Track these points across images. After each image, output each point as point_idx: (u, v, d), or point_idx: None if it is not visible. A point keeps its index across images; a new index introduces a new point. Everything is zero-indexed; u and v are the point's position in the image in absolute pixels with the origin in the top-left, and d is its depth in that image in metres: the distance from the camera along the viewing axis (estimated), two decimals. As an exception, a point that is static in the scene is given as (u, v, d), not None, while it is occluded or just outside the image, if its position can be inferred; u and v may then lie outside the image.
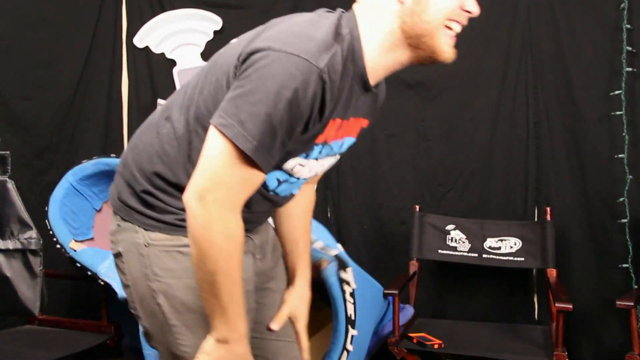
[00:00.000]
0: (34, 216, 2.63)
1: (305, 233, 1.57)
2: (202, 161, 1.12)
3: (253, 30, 1.25)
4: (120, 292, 2.14)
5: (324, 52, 1.12)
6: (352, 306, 2.05)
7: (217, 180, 1.11)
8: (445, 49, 1.23)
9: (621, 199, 2.76)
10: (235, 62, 1.16)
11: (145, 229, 1.26)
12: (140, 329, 2.02)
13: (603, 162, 2.83)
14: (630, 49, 2.75)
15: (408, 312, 2.73)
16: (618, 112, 2.77)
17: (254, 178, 1.15)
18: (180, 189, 1.19)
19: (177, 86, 3.37)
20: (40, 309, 2.62)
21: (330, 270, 2.02)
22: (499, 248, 2.86)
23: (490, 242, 2.88)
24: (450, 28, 1.22)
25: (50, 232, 2.57)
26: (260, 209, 1.33)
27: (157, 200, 1.25)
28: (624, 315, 2.39)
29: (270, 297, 1.49)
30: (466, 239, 2.91)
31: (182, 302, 1.26)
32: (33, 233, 2.60)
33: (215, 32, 3.38)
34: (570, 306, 2.29)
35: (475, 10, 1.23)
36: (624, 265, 2.77)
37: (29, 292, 2.59)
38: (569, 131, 2.90)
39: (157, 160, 1.25)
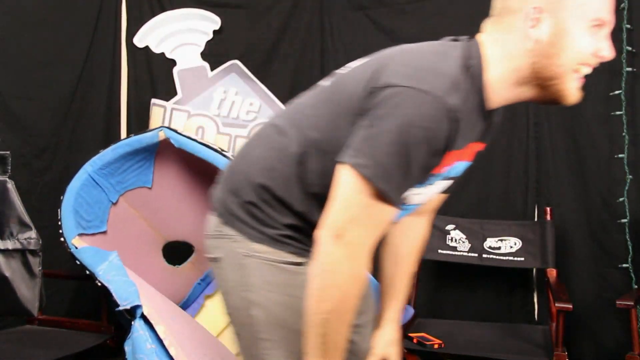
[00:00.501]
0: (33, 216, 2.63)
1: (406, 275, 1.51)
2: (338, 200, 1.12)
3: (376, 56, 1.25)
4: (117, 298, 2.14)
5: (455, 91, 1.11)
6: None
7: (356, 220, 1.11)
8: (573, 93, 1.21)
9: (621, 199, 2.76)
10: (362, 93, 1.15)
11: (247, 239, 1.26)
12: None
13: (603, 162, 2.83)
14: (630, 49, 2.75)
15: (408, 312, 2.73)
16: (618, 112, 2.77)
17: (388, 217, 1.15)
18: (286, 205, 1.22)
19: (177, 86, 3.37)
20: (39, 310, 2.62)
21: None
22: (499, 248, 2.86)
23: (490, 242, 2.88)
24: (578, 71, 1.20)
25: (60, 223, 2.56)
26: None
27: (261, 213, 1.25)
28: (624, 315, 2.39)
29: (360, 334, 1.44)
30: (466, 238, 2.91)
31: (275, 316, 1.24)
32: (32, 233, 2.60)
33: (215, 32, 3.38)
34: (570, 306, 2.29)
35: (611, 56, 1.19)
36: (624, 265, 2.77)
37: (28, 292, 2.59)
38: (569, 131, 2.90)
39: (266, 173, 1.25)
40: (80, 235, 2.56)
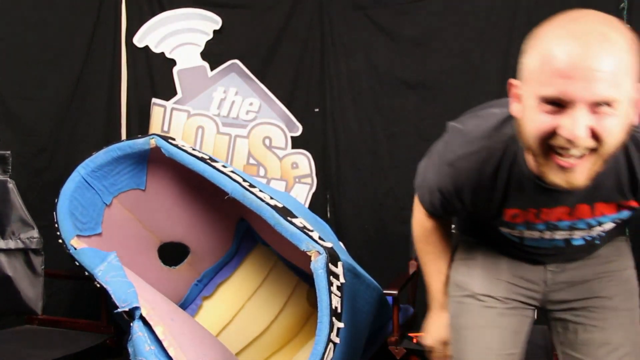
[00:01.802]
0: (32, 216, 2.64)
1: None
2: None
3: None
4: (115, 299, 2.13)
5: (460, 150, 1.32)
6: (339, 299, 2.05)
7: (414, 207, 1.60)
8: (551, 176, 1.12)
9: (621, 199, 2.76)
10: None
11: None
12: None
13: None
14: (630, 49, 2.75)
15: (408, 312, 2.73)
16: (618, 112, 2.77)
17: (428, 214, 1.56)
18: None
19: (177, 86, 3.37)
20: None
21: (319, 262, 2.02)
22: (499, 248, 2.85)
23: (490, 242, 2.87)
24: (558, 154, 1.09)
25: (56, 225, 2.56)
26: (535, 251, 1.47)
27: None
28: (624, 315, 2.39)
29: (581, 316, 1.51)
30: (466, 238, 2.90)
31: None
32: (34, 232, 2.60)
33: (215, 32, 3.38)
34: (570, 306, 2.29)
35: (569, 136, 1.05)
36: (624, 265, 2.77)
37: (31, 291, 2.60)
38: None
39: None
40: (78, 236, 2.55)
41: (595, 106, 1.03)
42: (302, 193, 3.32)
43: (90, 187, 2.67)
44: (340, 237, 3.17)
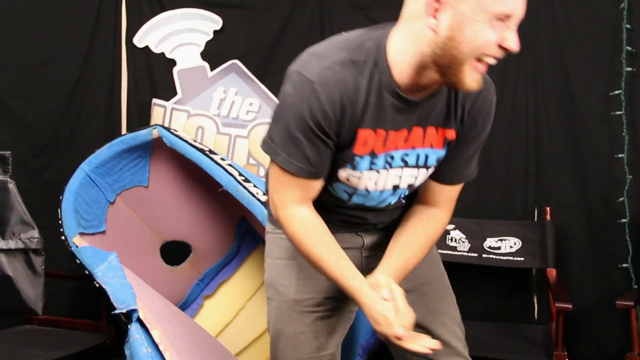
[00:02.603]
0: (33, 216, 2.63)
1: (403, 252, 1.48)
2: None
3: None
4: (114, 301, 2.13)
5: (320, 64, 1.25)
6: None
7: (272, 189, 1.41)
8: (469, 81, 1.22)
9: (621, 199, 2.77)
10: None
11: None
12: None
13: (603, 162, 2.83)
14: (630, 48, 2.75)
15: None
16: (618, 112, 2.77)
17: (299, 182, 1.36)
18: None
19: (177, 86, 3.37)
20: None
21: None
22: (499, 248, 2.86)
23: (490, 242, 2.88)
24: (482, 61, 1.21)
25: (60, 222, 2.58)
26: (355, 214, 1.50)
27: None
28: (624, 315, 2.39)
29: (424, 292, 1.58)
30: (466, 238, 2.91)
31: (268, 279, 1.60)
32: (35, 232, 2.60)
33: (215, 32, 3.37)
34: (570, 306, 2.30)
35: (516, 48, 1.20)
36: (624, 265, 2.77)
37: (32, 291, 2.60)
38: (568, 131, 2.90)
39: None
40: (81, 234, 2.56)
41: None
42: (302, 193, 3.32)
43: (94, 184, 2.69)
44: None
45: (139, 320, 2.03)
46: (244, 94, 3.36)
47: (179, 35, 3.38)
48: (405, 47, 1.25)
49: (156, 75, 3.42)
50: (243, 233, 3.03)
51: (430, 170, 1.44)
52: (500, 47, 1.19)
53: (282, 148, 1.31)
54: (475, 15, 1.15)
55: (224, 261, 3.06)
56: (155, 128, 2.67)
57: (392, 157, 1.37)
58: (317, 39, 3.35)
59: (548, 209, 2.82)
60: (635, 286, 2.74)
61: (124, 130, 3.45)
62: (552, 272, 2.74)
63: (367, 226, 1.56)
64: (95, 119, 3.37)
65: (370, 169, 1.37)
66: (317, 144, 1.30)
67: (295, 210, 1.39)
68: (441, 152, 1.41)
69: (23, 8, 3.13)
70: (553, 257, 2.76)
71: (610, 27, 2.80)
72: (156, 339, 1.99)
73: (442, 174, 1.47)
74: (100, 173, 2.69)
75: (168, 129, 2.70)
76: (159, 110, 3.36)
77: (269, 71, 3.37)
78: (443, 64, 1.21)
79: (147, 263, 2.86)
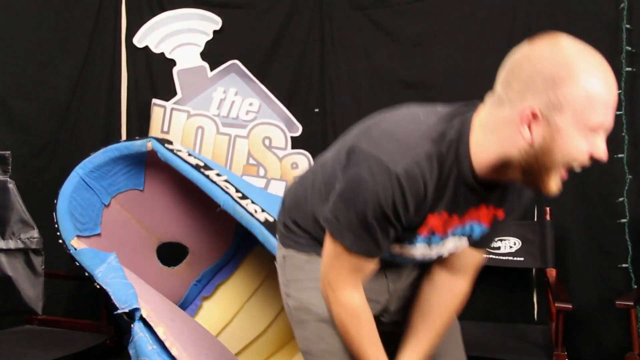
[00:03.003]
0: (33, 216, 2.63)
1: (431, 330, 1.54)
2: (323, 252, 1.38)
3: (367, 120, 1.35)
4: (115, 301, 2.14)
5: (406, 156, 1.20)
6: None
7: (328, 266, 1.36)
8: (552, 185, 1.24)
9: (621, 199, 2.76)
10: (342, 153, 1.30)
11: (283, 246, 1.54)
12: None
13: (603, 162, 2.82)
14: (630, 48, 2.75)
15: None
16: (618, 112, 2.77)
17: (361, 263, 1.34)
18: (305, 231, 1.47)
19: (177, 86, 3.37)
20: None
21: None
22: (499, 248, 2.86)
23: (490, 242, 2.87)
24: (567, 168, 1.22)
25: (56, 226, 2.57)
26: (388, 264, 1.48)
27: (290, 232, 1.51)
28: (624, 315, 2.39)
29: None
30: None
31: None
32: (35, 232, 2.60)
33: (215, 32, 3.38)
34: (570, 306, 2.29)
35: (605, 159, 1.21)
36: (624, 265, 2.77)
37: (32, 291, 2.60)
38: (568, 131, 2.90)
39: (295, 208, 1.51)
40: (78, 237, 2.56)
41: None
42: (302, 193, 3.32)
43: (89, 188, 2.68)
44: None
45: (142, 319, 2.03)
46: (244, 94, 3.36)
47: (178, 36, 3.38)
48: (490, 147, 1.23)
49: (156, 75, 3.42)
50: (242, 234, 3.03)
51: (466, 242, 1.45)
52: (590, 157, 1.20)
53: (349, 230, 1.28)
54: (570, 127, 1.16)
55: (222, 262, 3.06)
56: (149, 141, 2.65)
57: (445, 234, 1.38)
58: (317, 39, 3.39)
59: (548, 208, 2.82)
60: (635, 286, 2.74)
61: (123, 130, 3.45)
62: (552, 272, 2.74)
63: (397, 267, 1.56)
64: (95, 119, 3.37)
65: (426, 243, 1.37)
66: (389, 230, 1.28)
67: (349, 294, 1.37)
68: (486, 229, 1.43)
69: (23, 8, 3.13)
70: (553, 257, 2.76)
71: (610, 27, 2.80)
72: (161, 335, 2.00)
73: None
74: (95, 177, 2.68)
75: (162, 142, 2.67)
76: (159, 110, 3.36)
77: (269, 71, 3.37)
78: (530, 170, 1.22)
79: (143, 264, 2.86)
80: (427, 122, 1.26)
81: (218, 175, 2.56)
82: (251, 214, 2.36)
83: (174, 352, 1.96)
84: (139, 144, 2.67)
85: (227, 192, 2.47)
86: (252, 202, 2.43)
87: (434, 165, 1.22)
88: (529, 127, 1.17)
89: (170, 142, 2.74)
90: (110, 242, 2.69)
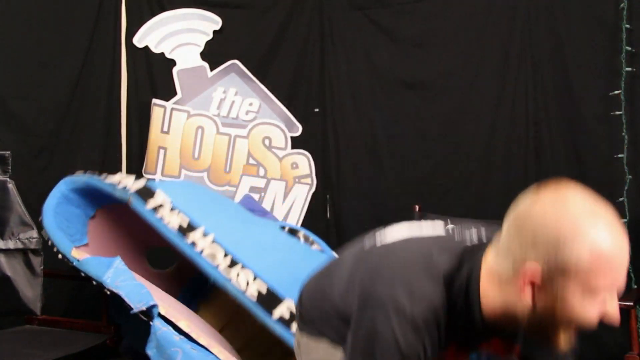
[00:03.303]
0: (32, 216, 2.63)
1: None
2: None
3: (374, 253, 1.35)
4: (130, 301, 2.11)
5: (421, 304, 1.18)
6: None
7: None
8: (561, 345, 1.17)
9: (621, 199, 2.76)
10: (354, 290, 1.28)
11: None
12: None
13: (603, 162, 2.83)
14: (629, 48, 2.75)
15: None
16: (617, 112, 2.77)
17: None
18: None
19: (177, 86, 3.37)
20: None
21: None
22: (499, 248, 2.85)
23: (490, 242, 2.87)
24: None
25: (50, 243, 2.49)
26: None
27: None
28: (624, 315, 2.38)
29: None
30: (466, 239, 2.90)
31: None
32: (34, 232, 2.60)
33: (215, 32, 3.38)
34: (570, 306, 2.29)
35: (617, 322, 1.14)
36: (624, 265, 2.76)
37: (31, 291, 2.60)
38: (568, 131, 2.90)
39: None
40: (76, 247, 2.51)
41: None
42: (302, 193, 3.32)
43: (73, 202, 2.61)
44: (340, 237, 3.17)
45: (161, 316, 2.02)
46: (244, 94, 3.36)
47: (178, 35, 3.38)
48: (495, 299, 1.19)
49: (156, 75, 3.42)
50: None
51: None
52: (600, 319, 1.13)
53: None
54: (574, 292, 1.09)
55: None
56: (131, 196, 2.49)
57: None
58: (317, 39, 3.39)
59: (548, 209, 2.82)
60: (635, 286, 2.74)
61: (123, 130, 3.45)
62: (552, 272, 2.74)
63: None
64: (95, 119, 3.37)
65: None
66: None
67: None
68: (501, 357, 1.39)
69: (23, 8, 3.13)
70: (553, 257, 2.75)
71: (610, 27, 2.80)
72: (185, 328, 1.99)
73: None
74: (79, 193, 2.60)
75: (145, 198, 2.47)
76: (159, 110, 3.36)
77: (269, 71, 3.38)
78: (535, 330, 1.17)
79: (134, 269, 2.83)
80: (437, 265, 1.22)
81: (204, 235, 2.41)
82: (242, 292, 2.25)
83: (202, 341, 1.95)
84: (120, 192, 2.52)
85: (215, 264, 2.34)
86: (243, 267, 2.31)
87: (447, 311, 1.20)
88: (532, 289, 1.11)
89: (152, 194, 2.50)
90: (98, 250, 2.64)
